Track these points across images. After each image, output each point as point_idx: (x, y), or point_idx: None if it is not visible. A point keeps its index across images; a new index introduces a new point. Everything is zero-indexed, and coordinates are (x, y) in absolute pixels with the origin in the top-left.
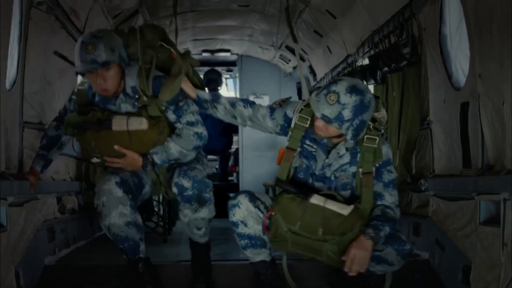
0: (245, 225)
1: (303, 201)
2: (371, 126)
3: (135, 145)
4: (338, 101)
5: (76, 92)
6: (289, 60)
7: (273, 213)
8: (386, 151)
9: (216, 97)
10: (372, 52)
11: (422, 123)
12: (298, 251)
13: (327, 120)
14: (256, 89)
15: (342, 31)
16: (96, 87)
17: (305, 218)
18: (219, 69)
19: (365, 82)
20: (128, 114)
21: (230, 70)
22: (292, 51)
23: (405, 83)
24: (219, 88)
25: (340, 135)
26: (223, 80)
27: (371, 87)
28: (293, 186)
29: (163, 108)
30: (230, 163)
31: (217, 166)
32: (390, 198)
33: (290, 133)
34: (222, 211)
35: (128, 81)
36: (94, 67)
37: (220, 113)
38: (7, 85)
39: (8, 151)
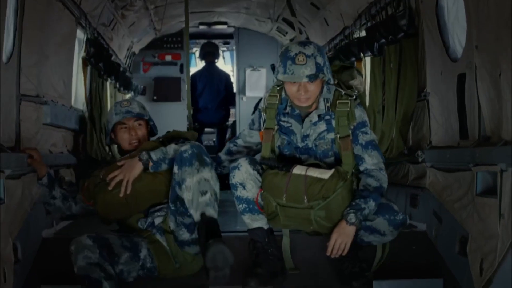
0: (244, 187)
1: (286, 174)
2: (342, 93)
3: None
4: (306, 57)
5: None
6: (286, 33)
7: (262, 191)
8: (360, 114)
9: (218, 160)
10: (369, 24)
11: (419, 95)
12: (291, 224)
13: (313, 77)
14: (253, 61)
15: (339, 3)
16: (126, 140)
17: (289, 189)
18: (216, 41)
19: (362, 54)
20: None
21: (227, 43)
22: (289, 23)
23: (402, 55)
24: (216, 60)
25: (311, 105)
26: (220, 53)
27: (368, 59)
28: (276, 161)
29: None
30: (227, 136)
31: (214, 139)
32: (370, 159)
33: (263, 114)
34: (220, 183)
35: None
36: (129, 116)
37: (227, 166)
38: (4, 58)
39: (5, 124)
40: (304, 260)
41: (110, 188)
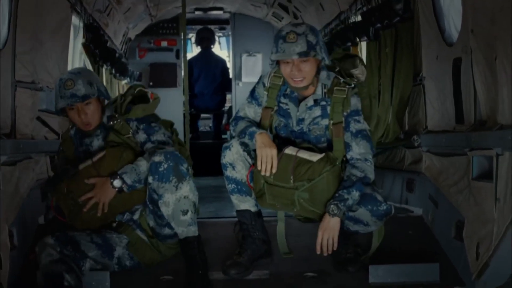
0: (233, 168)
1: (278, 153)
2: (341, 80)
3: (103, 173)
4: (297, 35)
5: (62, 142)
6: (282, 18)
7: (253, 169)
8: (355, 102)
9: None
10: (364, 9)
11: (415, 79)
12: (276, 203)
13: (304, 54)
14: (249, 47)
15: None
16: (78, 123)
17: (278, 167)
18: (211, 27)
19: (358, 39)
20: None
21: (223, 28)
22: (284, 8)
23: (398, 39)
24: (212, 46)
25: (307, 86)
26: (216, 38)
27: (363, 44)
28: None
29: (131, 131)
30: (224, 121)
31: (210, 125)
32: (357, 148)
33: (266, 93)
34: (216, 169)
35: (106, 113)
36: (74, 100)
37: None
38: None
39: (0, 111)
40: (298, 246)
41: (85, 210)
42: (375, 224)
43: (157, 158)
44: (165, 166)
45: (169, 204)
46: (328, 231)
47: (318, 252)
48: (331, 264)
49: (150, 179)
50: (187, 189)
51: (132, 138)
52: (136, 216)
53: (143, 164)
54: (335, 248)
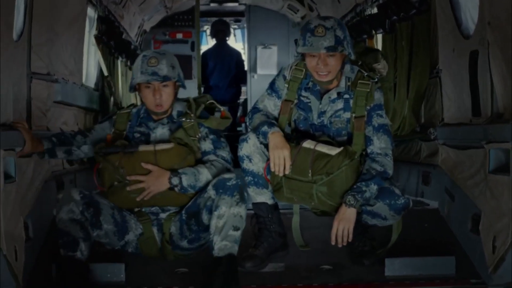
0: (250, 160)
1: (296, 146)
2: (365, 74)
3: (161, 164)
4: (326, 29)
5: (118, 114)
6: (298, 10)
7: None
8: (378, 97)
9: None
10: (381, 1)
11: (431, 72)
12: (293, 197)
13: (332, 48)
14: (265, 39)
15: None
16: (150, 102)
17: (296, 161)
18: (227, 19)
19: (373, 32)
20: (155, 143)
21: (238, 21)
22: (300, 1)
23: (414, 31)
24: (227, 38)
25: (332, 80)
26: (231, 30)
27: (379, 37)
28: (287, 135)
29: (199, 135)
30: (238, 114)
31: None
32: (378, 143)
33: (286, 86)
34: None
35: (176, 105)
36: (155, 79)
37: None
38: (14, 36)
39: (16, 103)
40: (314, 238)
41: (129, 189)
42: (393, 218)
43: (228, 176)
44: (234, 182)
45: (223, 217)
46: (344, 222)
47: (333, 242)
48: (347, 257)
49: (211, 193)
50: (244, 212)
51: (196, 142)
52: (162, 216)
53: (203, 172)
54: (350, 239)
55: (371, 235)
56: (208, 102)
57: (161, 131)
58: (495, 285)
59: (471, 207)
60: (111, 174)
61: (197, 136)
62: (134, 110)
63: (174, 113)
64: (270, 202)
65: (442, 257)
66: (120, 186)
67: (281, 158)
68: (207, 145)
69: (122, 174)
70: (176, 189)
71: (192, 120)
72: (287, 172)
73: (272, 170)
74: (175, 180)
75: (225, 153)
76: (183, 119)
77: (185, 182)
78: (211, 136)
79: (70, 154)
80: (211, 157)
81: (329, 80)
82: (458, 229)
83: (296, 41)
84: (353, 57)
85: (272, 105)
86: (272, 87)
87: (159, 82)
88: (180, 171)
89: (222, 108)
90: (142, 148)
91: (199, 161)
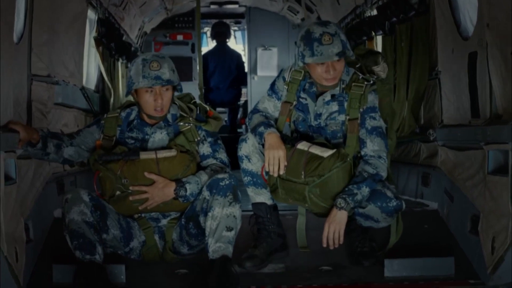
0: (249, 160)
1: (291, 148)
2: (359, 76)
3: (164, 173)
4: (332, 35)
5: (106, 119)
6: (297, 12)
7: None
8: (372, 99)
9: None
10: (380, 3)
11: (430, 73)
12: (288, 198)
13: (341, 54)
14: (265, 41)
15: None
16: (151, 106)
17: (290, 162)
18: (227, 21)
19: (373, 33)
20: (156, 150)
21: (239, 22)
22: (300, 2)
23: (414, 33)
24: (227, 40)
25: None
26: (232, 32)
27: (379, 38)
28: (284, 136)
29: (198, 139)
30: (239, 115)
31: (226, 118)
32: (371, 145)
33: (285, 87)
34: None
35: (171, 110)
36: (159, 83)
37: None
38: (15, 38)
39: (16, 105)
40: (314, 240)
41: (131, 199)
42: (385, 220)
43: (221, 176)
44: (227, 182)
45: (216, 218)
46: (335, 224)
47: (324, 245)
48: (346, 258)
49: (206, 194)
50: (238, 211)
51: (194, 146)
52: (163, 221)
53: (204, 180)
54: (341, 242)
55: (371, 236)
56: (193, 101)
57: (159, 136)
58: (494, 285)
59: (470, 208)
60: (112, 183)
61: (196, 140)
62: (123, 114)
63: (169, 116)
64: (269, 202)
65: (441, 258)
66: (123, 195)
67: (275, 158)
68: (205, 149)
69: (124, 183)
70: (180, 199)
71: (191, 124)
72: (281, 173)
73: (267, 170)
74: (181, 192)
75: (223, 155)
76: (181, 123)
77: (188, 191)
78: (209, 139)
79: (59, 149)
80: (211, 160)
81: (336, 83)
82: (457, 230)
83: (296, 43)
84: (353, 58)
85: (272, 107)
86: (272, 89)
87: (161, 86)
88: (184, 180)
89: (208, 108)
90: (144, 155)
91: (198, 165)
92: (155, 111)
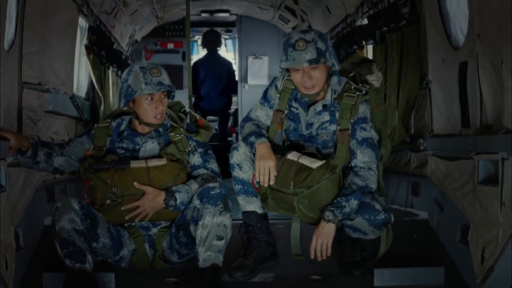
0: (240, 168)
1: (281, 158)
2: (352, 86)
3: (154, 181)
4: (306, 42)
5: (96, 128)
6: (288, 21)
7: None
8: (364, 109)
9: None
10: (371, 12)
11: (421, 83)
12: (278, 208)
13: (314, 61)
14: (255, 49)
15: None
16: (150, 114)
17: (280, 173)
18: (218, 29)
19: (364, 42)
20: (147, 159)
21: (230, 31)
22: (291, 11)
23: (404, 42)
24: (218, 48)
25: (318, 92)
26: (222, 40)
27: (370, 47)
28: (275, 145)
29: (188, 149)
30: (229, 124)
31: (216, 127)
32: (361, 156)
33: (277, 96)
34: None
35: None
36: (163, 88)
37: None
38: (6, 45)
39: (7, 112)
40: (304, 248)
41: (123, 208)
42: (373, 233)
43: (212, 184)
44: (217, 191)
45: (207, 227)
46: (322, 237)
47: (312, 257)
48: (336, 267)
49: (196, 202)
50: (228, 220)
51: (185, 156)
52: (154, 230)
53: (195, 189)
54: (329, 254)
55: (361, 245)
56: (183, 110)
57: (150, 146)
58: None
59: (460, 217)
60: (103, 192)
61: (187, 150)
62: (114, 124)
63: (160, 128)
64: (259, 211)
65: (431, 268)
66: (113, 204)
67: (266, 168)
68: (196, 159)
69: (115, 192)
70: (170, 208)
71: (182, 135)
72: (271, 183)
73: (257, 180)
74: (171, 202)
75: (214, 165)
76: (171, 133)
77: (178, 200)
78: (200, 150)
79: (49, 158)
80: (201, 170)
81: (315, 92)
82: (447, 240)
83: None
84: (337, 68)
85: (264, 115)
86: (264, 97)
87: (160, 93)
88: (173, 189)
89: (198, 117)
90: (134, 164)
91: (189, 175)
92: (155, 119)
